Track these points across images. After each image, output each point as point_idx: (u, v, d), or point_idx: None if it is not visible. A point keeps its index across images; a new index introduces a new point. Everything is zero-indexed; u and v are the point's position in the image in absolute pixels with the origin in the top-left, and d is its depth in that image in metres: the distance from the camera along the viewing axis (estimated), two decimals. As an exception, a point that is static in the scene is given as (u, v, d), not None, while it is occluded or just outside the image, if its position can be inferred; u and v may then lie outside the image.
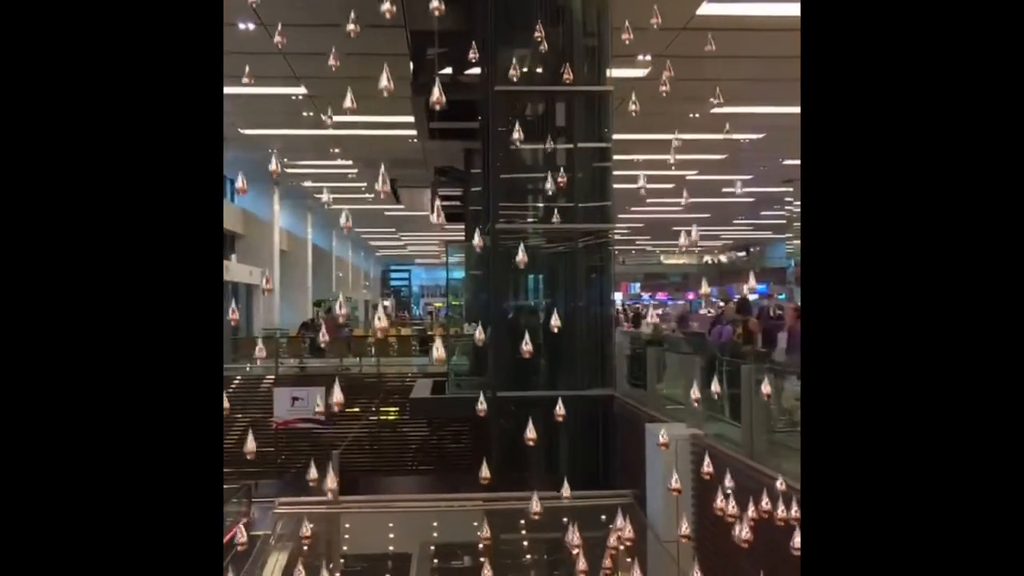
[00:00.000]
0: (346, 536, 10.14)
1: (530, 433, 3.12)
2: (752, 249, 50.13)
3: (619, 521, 3.19)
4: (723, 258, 55.67)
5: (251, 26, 12.49)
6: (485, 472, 3.27)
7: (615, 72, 11.53)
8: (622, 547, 3.21)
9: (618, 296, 41.57)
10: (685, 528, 3.42)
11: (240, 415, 18.41)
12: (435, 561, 9.54)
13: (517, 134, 3.38)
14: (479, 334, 3.34)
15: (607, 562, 3.06)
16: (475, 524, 9.73)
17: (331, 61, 3.04)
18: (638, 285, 58.78)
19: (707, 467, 3.53)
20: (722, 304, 26.36)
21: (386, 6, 3.09)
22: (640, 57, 14.01)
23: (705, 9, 11.89)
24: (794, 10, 2.61)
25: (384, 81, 3.09)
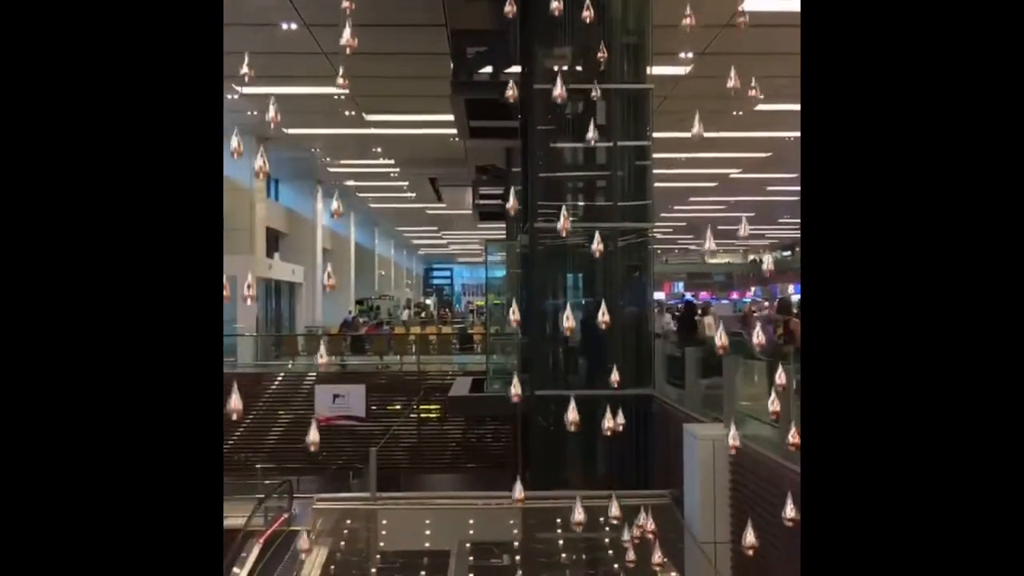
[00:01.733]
0: (383, 532, 10.20)
1: (572, 415, 3.07)
2: (797, 248, 49.58)
3: (643, 519, 3.17)
4: (767, 257, 55.08)
5: (293, 26, 12.62)
6: (519, 493, 3.24)
7: (656, 70, 11.46)
8: (638, 541, 3.19)
9: (660, 295, 41.36)
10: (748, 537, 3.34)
11: (283, 411, 18.63)
12: (472, 559, 9.56)
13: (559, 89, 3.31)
14: (515, 315, 3.29)
15: (630, 555, 3.05)
16: (512, 523, 9.75)
17: (345, 40, 3.02)
18: (681, 284, 58.40)
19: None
20: (765, 304, 26.15)
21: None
22: (682, 55, 13.92)
23: (748, 6, 11.74)
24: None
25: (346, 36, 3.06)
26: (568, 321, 3.09)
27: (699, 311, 16.46)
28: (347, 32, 2.99)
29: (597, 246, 3.15)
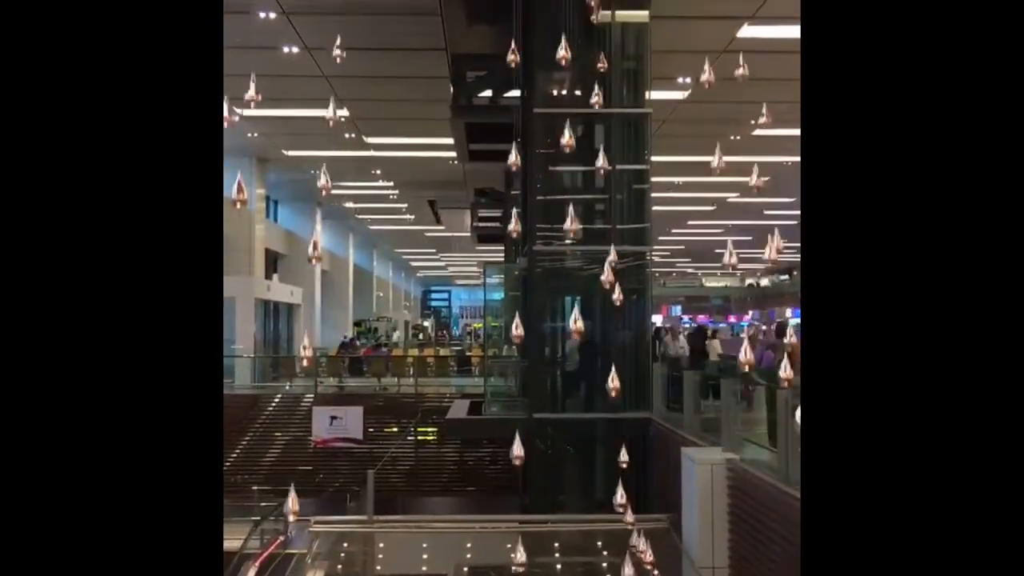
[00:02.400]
0: (380, 556, 10.15)
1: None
2: (795, 272, 49.63)
3: (639, 543, 3.15)
4: (765, 281, 55.19)
5: (294, 49, 12.70)
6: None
7: (654, 94, 11.54)
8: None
9: (658, 318, 41.35)
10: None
11: (280, 433, 18.59)
12: (469, 583, 9.52)
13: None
14: (517, 329, 3.27)
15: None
16: (510, 546, 9.70)
17: (336, 52, 3.08)
18: (679, 308, 58.39)
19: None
20: (763, 328, 26.16)
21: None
22: (680, 80, 14.02)
23: (745, 32, 11.86)
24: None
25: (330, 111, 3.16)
26: (576, 323, 3.06)
27: (709, 334, 16.50)
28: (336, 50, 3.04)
29: (607, 276, 3.15)
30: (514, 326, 3.33)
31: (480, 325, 40.18)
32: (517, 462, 3.04)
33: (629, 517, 3.14)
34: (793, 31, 11.87)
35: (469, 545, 10.17)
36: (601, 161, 3.32)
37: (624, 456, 3.28)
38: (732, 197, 25.56)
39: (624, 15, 10.70)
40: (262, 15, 11.41)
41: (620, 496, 3.12)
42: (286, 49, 12.70)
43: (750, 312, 51.35)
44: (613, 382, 3.19)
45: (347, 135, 18.23)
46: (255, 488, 15.32)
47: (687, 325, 45.62)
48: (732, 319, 51.51)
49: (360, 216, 31.51)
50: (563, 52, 3.00)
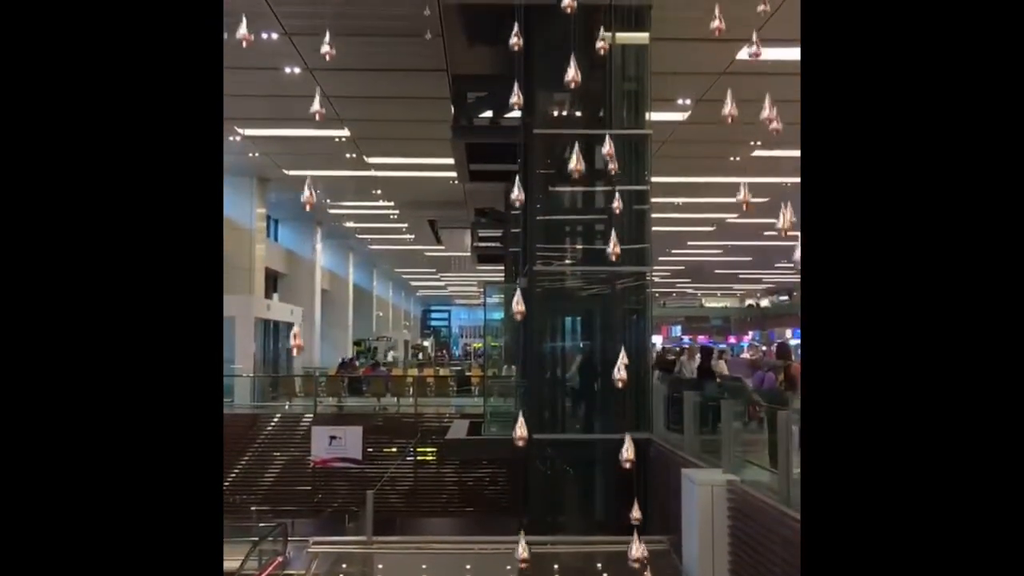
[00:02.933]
0: (379, 577, 10.10)
1: (627, 454, 3.00)
2: (795, 292, 49.63)
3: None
4: (765, 301, 55.19)
5: (297, 70, 12.77)
6: (523, 552, 3.17)
7: (655, 115, 11.58)
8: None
9: (657, 338, 41.29)
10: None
11: (279, 453, 18.51)
12: (468, 604, 9.46)
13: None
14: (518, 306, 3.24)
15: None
16: (508, 568, 9.65)
17: (325, 49, 3.16)
18: (679, 328, 58.33)
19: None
20: (763, 349, 26.13)
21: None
22: (680, 101, 14.08)
23: (745, 54, 11.92)
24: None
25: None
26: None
27: (715, 355, 16.40)
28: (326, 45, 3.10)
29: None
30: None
31: (480, 345, 40.15)
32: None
33: (635, 551, 3.10)
34: (792, 53, 11.93)
35: (468, 566, 10.12)
36: (611, 163, 3.31)
37: (628, 453, 3.23)
38: (731, 217, 25.60)
39: (624, 37, 10.76)
40: (264, 36, 11.47)
41: (636, 512, 3.09)
42: (288, 69, 12.76)
43: (750, 333, 51.29)
44: (619, 372, 3.17)
45: (348, 155, 18.29)
46: (253, 508, 15.25)
47: (687, 345, 45.55)
48: (732, 339, 51.42)
49: (360, 236, 31.56)
50: (572, 74, 3.03)
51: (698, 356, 14.28)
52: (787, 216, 2.70)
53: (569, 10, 2.87)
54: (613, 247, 3.17)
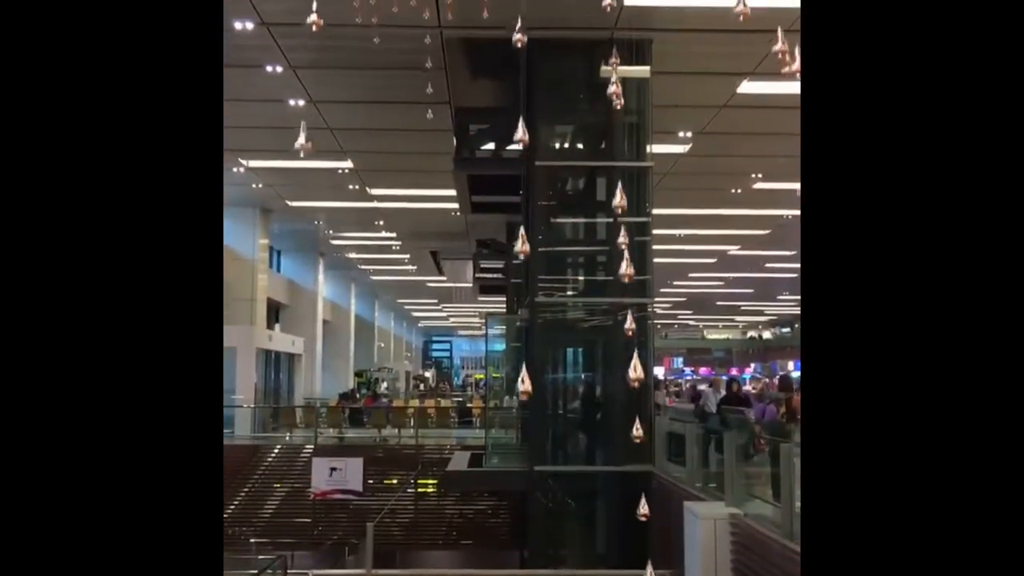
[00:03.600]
0: (379, 610, 10.00)
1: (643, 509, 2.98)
2: (797, 325, 49.60)
3: None
4: (767, 334, 55.16)
5: (301, 102, 12.87)
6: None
7: (656, 148, 11.65)
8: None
9: (659, 370, 41.20)
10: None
11: (279, 484, 18.43)
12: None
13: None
14: (524, 384, 3.21)
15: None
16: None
17: (310, 17, 3.21)
18: (681, 360, 58.24)
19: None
20: (765, 381, 26.04)
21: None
22: (681, 134, 14.16)
23: (745, 87, 12.02)
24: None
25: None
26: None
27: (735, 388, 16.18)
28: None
29: (630, 325, 3.12)
30: (520, 379, 3.27)
31: (481, 376, 40.04)
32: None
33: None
34: (792, 87, 12.04)
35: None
36: (618, 200, 3.30)
37: (644, 508, 3.23)
38: (733, 250, 25.65)
39: (625, 70, 10.85)
40: (268, 69, 11.58)
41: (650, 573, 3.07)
42: (291, 102, 12.86)
43: (752, 365, 51.19)
44: (637, 431, 3.16)
45: (351, 186, 18.38)
46: (253, 541, 15.14)
47: (689, 377, 45.49)
48: (734, 371, 51.33)
49: (363, 266, 31.63)
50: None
51: (723, 389, 14.14)
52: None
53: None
54: (626, 268, 3.17)
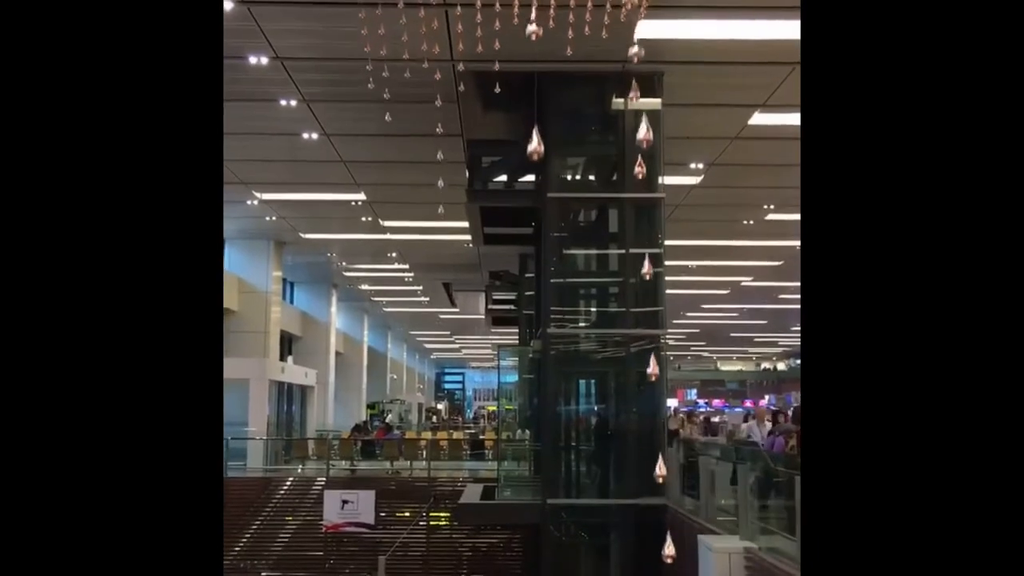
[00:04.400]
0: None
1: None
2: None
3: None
4: (781, 365, 54.84)
5: (315, 135, 12.97)
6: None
7: (668, 179, 11.66)
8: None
9: (673, 402, 40.97)
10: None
11: (291, 518, 18.35)
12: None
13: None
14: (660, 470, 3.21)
15: None
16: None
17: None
18: (694, 391, 57.94)
19: None
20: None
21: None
22: (693, 165, 14.19)
23: (757, 119, 12.05)
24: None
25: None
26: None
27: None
28: None
29: (653, 369, 3.09)
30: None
31: (494, 408, 39.92)
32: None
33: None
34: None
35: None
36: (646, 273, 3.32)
37: (670, 549, 3.22)
38: (746, 281, 25.58)
39: (637, 102, 10.90)
40: (283, 103, 11.69)
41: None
42: (305, 135, 12.97)
43: (767, 396, 50.86)
44: (660, 469, 3.14)
45: (364, 218, 18.46)
46: (264, 574, 15.05)
47: (703, 408, 45.23)
48: (748, 403, 50.99)
49: (375, 298, 31.68)
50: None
51: (768, 421, 13.78)
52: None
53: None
54: (647, 269, 3.20)
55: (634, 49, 2.88)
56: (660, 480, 3.34)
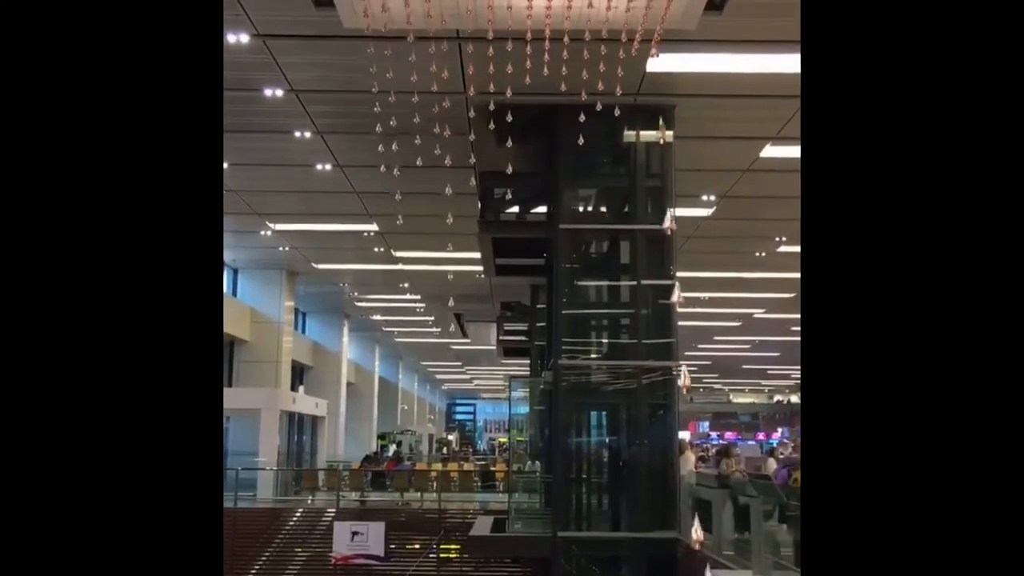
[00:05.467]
0: None
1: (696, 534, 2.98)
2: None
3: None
4: (794, 398, 54.47)
5: (328, 167, 13.07)
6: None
7: (680, 211, 11.69)
8: None
9: (685, 434, 40.68)
10: None
11: (300, 549, 18.25)
12: None
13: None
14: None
15: None
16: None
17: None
18: (707, 424, 57.52)
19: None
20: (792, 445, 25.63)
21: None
22: (704, 197, 14.22)
23: (768, 152, 12.08)
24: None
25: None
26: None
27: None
28: None
29: (685, 380, 3.07)
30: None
31: (505, 439, 39.74)
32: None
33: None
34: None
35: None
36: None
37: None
38: (758, 313, 25.51)
39: (649, 135, 10.95)
40: (297, 134, 11.80)
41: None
42: (319, 166, 13.07)
43: (780, 429, 50.47)
44: (697, 533, 3.12)
45: (376, 249, 18.53)
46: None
47: (715, 441, 44.91)
48: (761, 436, 50.58)
49: (386, 328, 31.71)
50: None
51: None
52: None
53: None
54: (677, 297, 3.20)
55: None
56: (697, 546, 3.31)
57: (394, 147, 7.40)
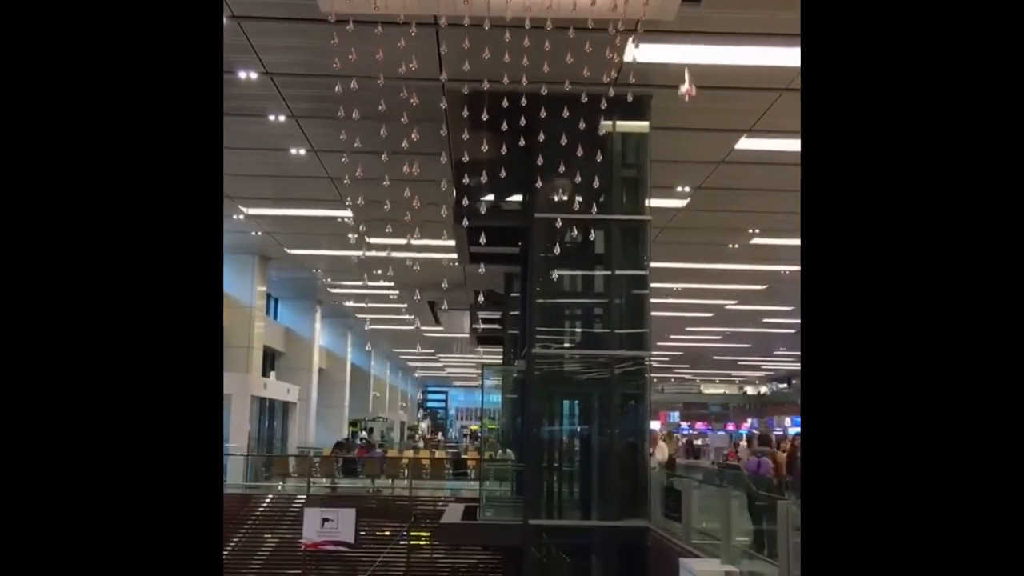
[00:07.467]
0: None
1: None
2: (794, 380, 49.49)
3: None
4: (764, 389, 54.97)
5: (302, 151, 12.97)
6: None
7: (654, 202, 11.72)
8: None
9: (655, 424, 40.96)
10: None
11: (269, 535, 18.19)
12: None
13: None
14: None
15: None
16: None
17: None
18: (677, 414, 57.94)
19: None
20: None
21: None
22: (679, 188, 14.27)
23: (743, 144, 12.14)
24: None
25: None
26: None
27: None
28: None
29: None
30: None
31: (477, 427, 39.77)
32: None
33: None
34: (789, 144, 12.22)
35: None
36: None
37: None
38: (731, 304, 25.68)
39: (625, 126, 10.96)
40: (271, 118, 11.70)
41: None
42: (293, 151, 12.97)
43: (749, 420, 50.94)
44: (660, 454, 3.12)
45: (350, 236, 18.43)
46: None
47: (685, 432, 45.24)
48: (731, 427, 51.03)
49: (359, 315, 31.60)
50: None
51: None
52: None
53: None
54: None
55: (684, 87, 2.93)
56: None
57: (373, 133, 7.35)
